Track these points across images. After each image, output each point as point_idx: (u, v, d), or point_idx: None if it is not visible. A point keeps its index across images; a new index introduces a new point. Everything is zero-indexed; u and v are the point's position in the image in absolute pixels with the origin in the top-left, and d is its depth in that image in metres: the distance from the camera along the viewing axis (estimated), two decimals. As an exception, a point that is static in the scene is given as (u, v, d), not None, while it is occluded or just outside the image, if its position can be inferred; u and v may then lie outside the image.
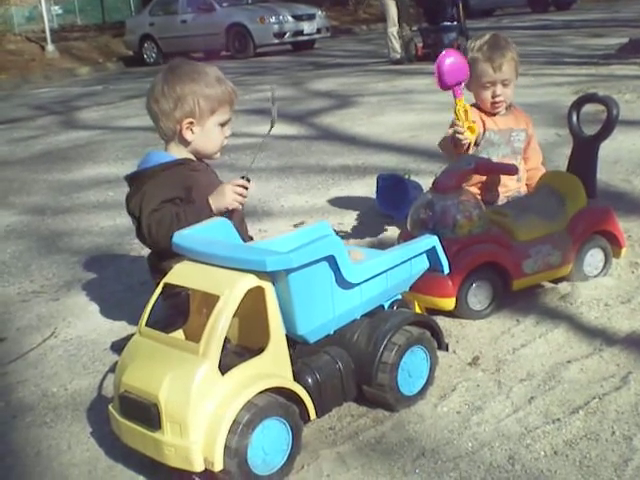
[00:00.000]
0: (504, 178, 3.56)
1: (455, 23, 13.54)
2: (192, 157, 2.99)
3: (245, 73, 14.91)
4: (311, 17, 20.62)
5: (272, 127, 2.88)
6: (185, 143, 2.95)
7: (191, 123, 2.91)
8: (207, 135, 2.95)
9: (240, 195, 2.78)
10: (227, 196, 2.76)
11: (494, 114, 3.67)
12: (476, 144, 3.57)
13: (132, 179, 2.98)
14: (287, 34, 19.98)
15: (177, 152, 2.98)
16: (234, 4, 20.91)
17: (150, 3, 22.39)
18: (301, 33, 20.26)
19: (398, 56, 13.32)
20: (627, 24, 16.35)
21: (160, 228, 2.73)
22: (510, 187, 3.64)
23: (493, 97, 3.61)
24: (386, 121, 7.76)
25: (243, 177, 2.84)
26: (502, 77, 3.57)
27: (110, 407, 2.25)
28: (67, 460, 2.34)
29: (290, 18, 20.06)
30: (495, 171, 3.40)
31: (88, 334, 3.26)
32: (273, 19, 19.79)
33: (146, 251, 4.25)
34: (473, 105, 3.68)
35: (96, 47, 23.20)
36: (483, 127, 3.62)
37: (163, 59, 20.61)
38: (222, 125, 2.98)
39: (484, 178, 3.54)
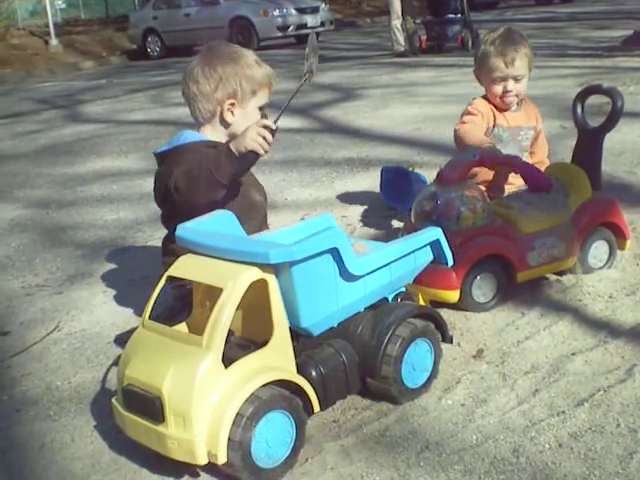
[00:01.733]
0: (512, 177, 3.53)
1: (459, 16, 13.55)
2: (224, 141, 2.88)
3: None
4: (315, 10, 20.57)
5: (310, 75, 2.82)
6: (225, 124, 2.90)
7: (232, 104, 2.86)
8: (247, 118, 2.87)
9: (263, 138, 2.60)
10: (247, 137, 2.60)
11: (505, 109, 3.64)
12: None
13: (163, 156, 2.89)
14: (291, 27, 19.94)
15: (212, 134, 2.91)
16: (237, -3, 20.88)
17: (153, -3, 22.37)
18: (305, 26, 20.20)
19: (402, 49, 13.30)
20: (632, 16, 16.28)
21: (187, 179, 2.63)
22: (515, 183, 3.62)
23: (504, 92, 3.56)
24: (390, 114, 7.74)
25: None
26: (514, 73, 3.53)
27: (114, 400, 2.25)
28: (71, 453, 2.34)
29: (294, 11, 20.02)
30: (499, 162, 3.39)
31: (92, 327, 3.26)
32: (277, 12, 19.75)
33: (150, 244, 4.27)
34: (484, 97, 3.66)
35: (100, 41, 23.17)
36: (493, 122, 3.60)
37: (167, 53, 20.61)
38: (260, 109, 2.93)
39: (490, 176, 3.52)
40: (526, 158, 3.63)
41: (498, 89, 3.57)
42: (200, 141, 2.86)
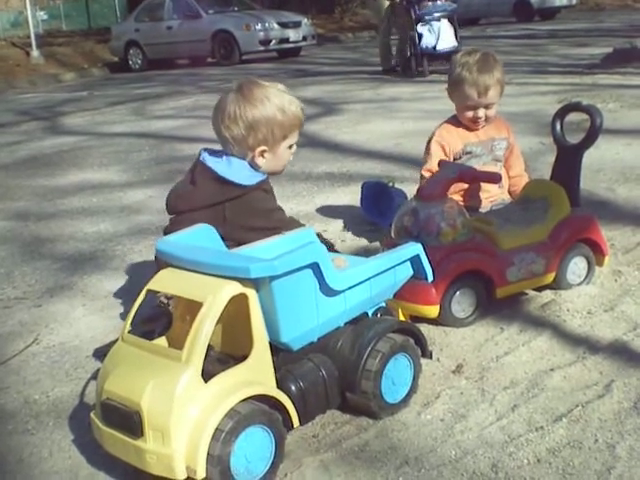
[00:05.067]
0: (486, 185, 3.57)
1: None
2: None
3: (230, 80, 14.80)
4: (297, 25, 20.61)
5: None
6: (256, 167, 2.89)
7: (264, 151, 2.86)
8: (278, 159, 2.92)
9: None
10: None
11: (474, 130, 3.70)
12: (455, 160, 3.65)
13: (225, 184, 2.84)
14: (273, 41, 19.96)
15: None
16: (220, 11, 20.88)
17: (136, 9, 22.36)
18: (287, 40, 20.24)
19: (391, 63, 13.12)
20: (611, 34, 16.44)
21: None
22: (492, 193, 3.65)
23: (474, 117, 3.64)
24: (371, 129, 7.77)
25: None
26: (486, 102, 3.59)
27: (92, 414, 2.24)
28: (49, 468, 2.32)
29: (276, 25, 20.04)
30: (479, 179, 3.41)
31: (70, 341, 3.25)
32: (259, 26, 19.77)
33: (130, 257, 4.26)
34: (453, 117, 3.71)
35: (81, 53, 23.13)
36: (463, 142, 3.67)
37: (148, 65, 20.60)
38: (290, 147, 2.95)
39: (466, 185, 3.55)
40: (501, 169, 3.67)
41: (469, 115, 3.65)
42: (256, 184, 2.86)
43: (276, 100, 2.83)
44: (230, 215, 2.79)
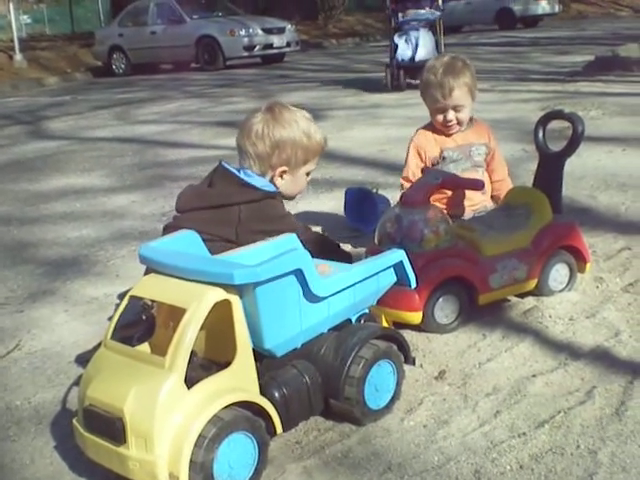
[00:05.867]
0: (469, 192, 3.58)
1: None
2: None
3: (214, 85, 14.91)
4: (281, 31, 20.64)
5: None
6: (274, 185, 2.98)
7: (284, 172, 2.95)
8: (295, 182, 3.02)
9: None
10: None
11: (450, 135, 3.72)
12: (433, 165, 3.69)
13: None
14: (257, 47, 19.98)
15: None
16: (204, 16, 20.88)
17: (120, 14, 22.31)
18: (271, 46, 20.27)
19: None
20: (593, 42, 16.57)
21: None
22: (475, 201, 3.67)
23: (444, 121, 3.66)
24: (354, 135, 7.78)
25: None
26: (452, 103, 3.61)
27: (74, 421, 2.23)
28: (30, 474, 2.31)
29: (260, 31, 20.06)
30: (462, 186, 3.43)
31: (53, 346, 3.23)
32: (243, 32, 19.79)
33: (112, 262, 4.25)
34: (430, 123, 3.74)
35: (65, 57, 23.05)
36: (440, 149, 3.70)
37: (132, 70, 20.56)
38: (307, 174, 3.05)
39: (449, 193, 3.57)
40: (482, 175, 3.69)
41: (439, 118, 3.68)
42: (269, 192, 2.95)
43: (303, 125, 2.96)
44: (245, 217, 2.85)
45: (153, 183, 6.34)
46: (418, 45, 11.22)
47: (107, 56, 21.41)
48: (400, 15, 11.32)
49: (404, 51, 11.29)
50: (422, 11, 11.38)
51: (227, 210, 2.86)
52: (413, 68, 10.86)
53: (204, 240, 2.51)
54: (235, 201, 2.86)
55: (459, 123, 3.66)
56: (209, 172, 3.06)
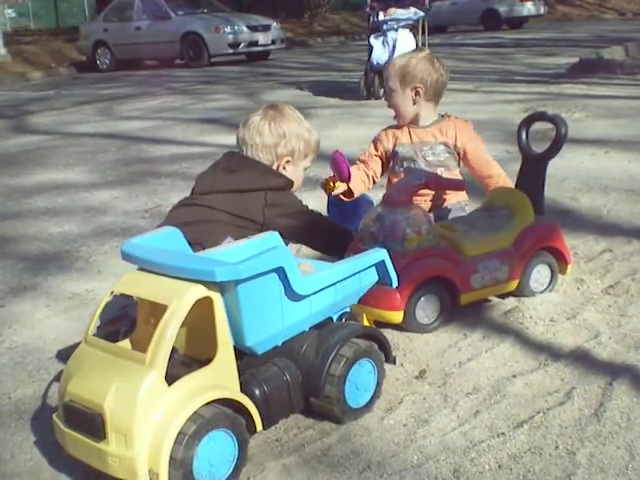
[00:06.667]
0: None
1: None
2: None
3: (199, 82, 14.88)
4: (266, 28, 20.60)
5: None
6: None
7: (288, 162, 3.11)
8: (296, 175, 3.16)
9: None
10: None
11: (402, 125, 3.79)
12: (387, 159, 3.80)
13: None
14: (242, 44, 19.94)
15: None
16: (189, 13, 20.81)
17: (105, 9, 22.21)
18: (256, 44, 20.24)
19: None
20: (578, 44, 16.64)
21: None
22: (446, 199, 3.67)
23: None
24: (338, 134, 7.77)
25: None
26: (388, 84, 3.73)
27: (55, 416, 2.23)
28: (10, 469, 2.31)
29: (245, 28, 20.02)
30: (444, 186, 3.44)
31: (34, 342, 3.22)
32: (228, 29, 19.74)
33: (94, 258, 4.24)
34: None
35: (49, 52, 22.93)
36: (394, 142, 3.77)
37: (116, 66, 20.47)
38: (305, 169, 3.21)
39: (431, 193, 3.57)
40: (442, 173, 3.65)
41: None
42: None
43: (305, 122, 3.18)
44: (272, 201, 2.99)
45: (136, 179, 6.32)
46: (395, 48, 10.07)
47: (92, 51, 21.28)
48: (381, 14, 10.43)
49: (380, 54, 10.30)
50: (403, 10, 10.43)
51: (255, 194, 2.97)
52: None
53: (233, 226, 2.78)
54: (262, 186, 2.99)
55: (396, 112, 3.75)
56: (218, 159, 3.15)
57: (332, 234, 3.26)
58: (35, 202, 5.76)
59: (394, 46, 10.11)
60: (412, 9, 10.42)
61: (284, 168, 3.10)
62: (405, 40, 10.17)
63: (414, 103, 3.67)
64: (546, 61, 13.78)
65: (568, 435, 2.27)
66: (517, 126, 3.53)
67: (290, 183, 3.08)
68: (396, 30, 10.27)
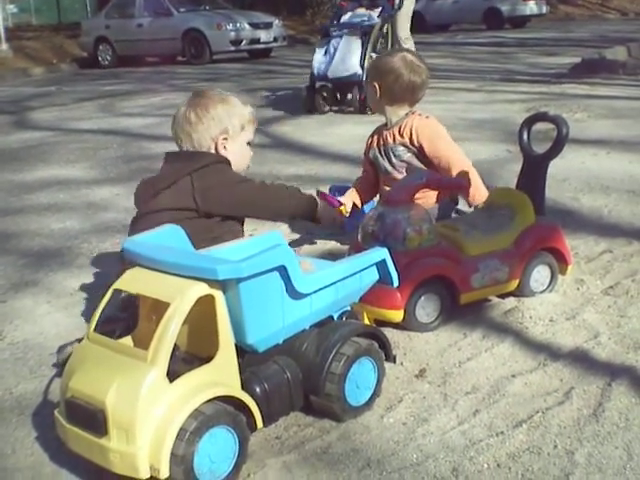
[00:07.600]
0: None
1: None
2: None
3: (200, 79, 14.87)
4: (268, 25, 20.61)
5: None
6: None
7: (225, 139, 3.07)
8: (240, 152, 3.14)
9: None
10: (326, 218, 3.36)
11: (384, 127, 3.82)
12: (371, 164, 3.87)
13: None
14: (244, 42, 19.94)
15: None
16: (191, 10, 20.80)
17: (107, 5, 22.21)
18: (258, 41, 20.24)
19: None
20: (580, 44, 16.63)
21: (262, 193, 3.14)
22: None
23: None
24: (339, 132, 7.78)
25: None
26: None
27: (56, 412, 2.24)
28: (11, 465, 2.32)
29: (247, 26, 20.02)
30: (445, 186, 3.45)
31: (35, 337, 3.23)
32: (230, 26, 19.74)
33: (96, 254, 4.24)
34: None
35: (51, 48, 22.91)
36: (369, 146, 3.88)
37: (118, 62, 20.47)
38: (248, 144, 3.17)
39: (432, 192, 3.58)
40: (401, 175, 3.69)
41: None
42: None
43: (230, 98, 3.14)
44: (198, 183, 2.95)
45: (137, 176, 6.23)
46: (334, 58, 8.97)
47: (93, 47, 21.27)
48: (347, 16, 9.35)
49: (319, 64, 9.08)
50: (363, 11, 9.26)
51: (182, 182, 2.96)
52: (333, 87, 9.12)
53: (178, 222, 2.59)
54: (185, 172, 2.97)
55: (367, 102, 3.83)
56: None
57: (281, 193, 3.21)
58: (37, 198, 5.76)
59: (334, 54, 9.01)
60: (370, 13, 9.19)
61: (224, 148, 3.08)
62: (349, 50, 8.92)
63: (380, 98, 3.75)
64: (548, 61, 13.77)
65: (567, 435, 2.28)
66: (519, 126, 3.54)
67: (221, 158, 3.05)
68: (341, 37, 9.08)
